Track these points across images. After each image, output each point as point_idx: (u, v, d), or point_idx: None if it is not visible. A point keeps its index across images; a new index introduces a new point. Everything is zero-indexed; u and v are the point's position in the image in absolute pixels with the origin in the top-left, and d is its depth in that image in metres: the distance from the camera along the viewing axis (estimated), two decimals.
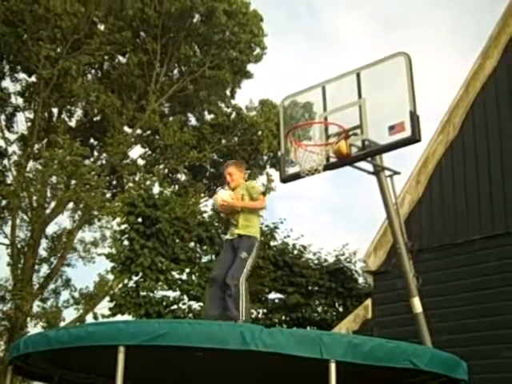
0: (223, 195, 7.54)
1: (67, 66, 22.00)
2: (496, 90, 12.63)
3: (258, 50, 25.25)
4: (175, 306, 14.86)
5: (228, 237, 7.48)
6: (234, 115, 26.00)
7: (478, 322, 11.58)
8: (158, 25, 23.66)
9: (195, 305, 14.78)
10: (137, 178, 24.49)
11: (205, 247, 15.46)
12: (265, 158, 26.09)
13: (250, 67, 25.76)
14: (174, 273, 14.93)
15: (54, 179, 22.57)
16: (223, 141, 25.37)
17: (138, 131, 25.49)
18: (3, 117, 24.50)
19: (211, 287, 7.33)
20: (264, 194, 7.74)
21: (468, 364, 6.52)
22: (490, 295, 11.57)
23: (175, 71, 25.92)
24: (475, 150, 12.63)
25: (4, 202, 23.58)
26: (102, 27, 23.89)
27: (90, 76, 25.00)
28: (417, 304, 9.15)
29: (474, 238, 12.13)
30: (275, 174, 25.67)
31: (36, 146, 24.34)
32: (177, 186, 24.47)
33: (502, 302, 11.42)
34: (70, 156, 21.06)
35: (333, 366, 5.29)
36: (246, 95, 40.38)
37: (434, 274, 11.93)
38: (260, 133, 24.67)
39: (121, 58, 24.89)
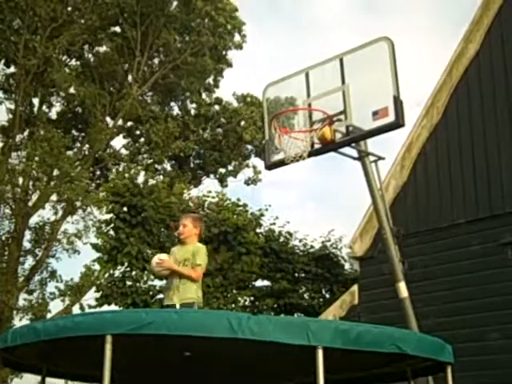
0: (160, 255, 7.26)
1: (47, 52, 21.78)
2: (479, 74, 12.67)
3: (238, 37, 25.22)
4: (161, 295, 14.84)
5: (166, 303, 7.06)
6: (216, 105, 25.98)
7: (463, 305, 11.67)
8: (136, 11, 23.51)
9: None
10: (120, 169, 24.40)
11: None
12: (249, 147, 26.12)
13: (232, 54, 25.77)
14: None
15: (35, 172, 22.42)
16: (207, 131, 25.33)
17: (120, 122, 25.39)
18: None
19: None
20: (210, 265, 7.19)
21: (453, 347, 6.56)
22: (475, 278, 11.66)
23: (156, 59, 25.83)
24: (459, 133, 12.69)
25: None
26: (79, 15, 23.69)
27: (70, 65, 24.80)
28: (403, 289, 9.19)
29: (458, 222, 12.21)
30: (260, 164, 25.79)
31: (18, 138, 24.17)
32: (161, 177, 24.41)
33: (486, 285, 11.52)
34: (49, 147, 20.92)
35: (320, 353, 5.30)
36: (229, 85, 40.32)
37: (420, 259, 12.01)
38: (243, 122, 24.65)
39: (100, 45, 24.72)
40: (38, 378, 7.55)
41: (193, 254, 7.03)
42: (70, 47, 22.86)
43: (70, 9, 23.10)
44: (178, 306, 6.82)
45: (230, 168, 26.40)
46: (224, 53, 25.38)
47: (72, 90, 23.57)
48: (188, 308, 6.76)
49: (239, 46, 25.29)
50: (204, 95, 26.24)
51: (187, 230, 7.25)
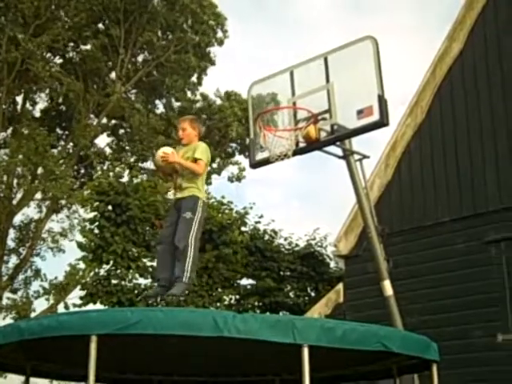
0: (165, 148, 7.18)
1: (30, 48, 21.66)
2: (462, 73, 12.73)
3: (220, 34, 25.21)
4: (146, 293, 14.82)
5: (170, 197, 7.19)
6: (200, 103, 25.94)
7: (448, 303, 11.73)
8: (120, 8, 23.43)
9: None
10: (105, 167, 24.30)
11: None
12: (233, 145, 26.09)
13: (214, 50, 25.76)
14: (144, 260, 14.89)
15: (20, 170, 22.30)
16: None
17: (104, 120, 25.29)
18: None
19: (160, 249, 7.02)
20: (212, 161, 7.23)
21: (439, 345, 6.60)
22: (459, 276, 11.72)
23: (140, 57, 25.76)
24: (443, 132, 12.74)
25: None
26: (62, 12, 23.57)
27: (53, 62, 24.67)
28: (387, 287, 9.22)
29: (442, 221, 12.26)
30: (244, 161, 25.78)
31: (1, 135, 24.03)
32: (145, 176, 24.34)
33: (470, 283, 11.58)
34: (35, 144, 20.80)
35: (306, 351, 5.31)
36: (212, 82, 40.27)
37: (404, 257, 12.05)
38: (227, 120, 24.61)
39: (84, 43, 24.61)
40: (22, 378, 7.51)
41: (193, 151, 7.04)
42: (54, 44, 22.70)
43: (53, 7, 22.94)
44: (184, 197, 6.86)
45: (214, 166, 26.37)
46: (207, 50, 25.36)
47: (55, 85, 23.40)
48: (192, 200, 6.83)
49: (221, 42, 25.29)
50: (189, 93, 26.18)
51: (187, 134, 7.24)
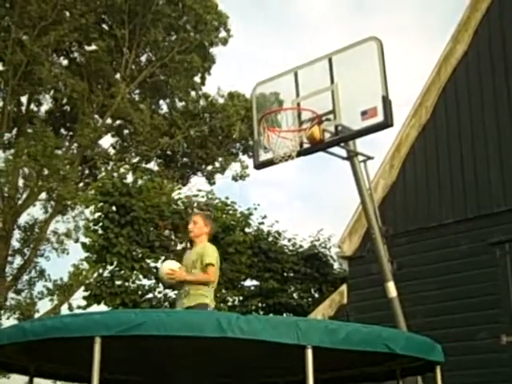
0: (170, 265, 7.04)
1: (35, 51, 21.72)
2: (467, 74, 12.71)
3: (223, 33, 25.23)
4: (151, 295, 14.82)
5: (178, 308, 6.93)
6: (203, 102, 25.94)
7: (452, 304, 11.71)
8: (124, 9, 23.47)
9: (171, 293, 14.75)
10: (109, 168, 24.33)
11: (180, 235, 15.41)
12: (237, 145, 26.08)
13: (217, 50, 25.80)
14: (149, 261, 14.89)
15: (25, 170, 22.34)
16: (194, 128, 25.28)
17: (109, 121, 25.32)
18: None
19: None
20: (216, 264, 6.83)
21: (443, 346, 6.59)
22: (463, 278, 11.70)
23: (144, 57, 25.81)
24: (447, 133, 12.73)
25: None
26: (68, 13, 23.62)
27: (58, 63, 24.72)
28: (391, 288, 9.22)
29: (446, 222, 12.24)
30: (247, 161, 25.77)
31: (6, 136, 24.07)
32: (148, 176, 24.35)
33: (474, 285, 11.56)
34: (43, 147, 20.85)
35: (309, 352, 5.31)
36: (216, 82, 40.30)
37: (408, 258, 12.03)
38: (230, 119, 24.60)
39: (89, 44, 24.67)
40: (26, 378, 7.52)
41: (200, 255, 6.87)
42: (59, 46, 22.77)
43: (59, 7, 22.99)
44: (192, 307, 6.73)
45: (217, 164, 26.35)
46: (210, 50, 25.39)
47: (60, 86, 23.45)
48: (201, 308, 6.66)
49: (225, 42, 25.29)
50: (193, 93, 26.19)
51: (198, 228, 7.10)
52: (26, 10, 21.66)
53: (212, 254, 6.89)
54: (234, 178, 25.92)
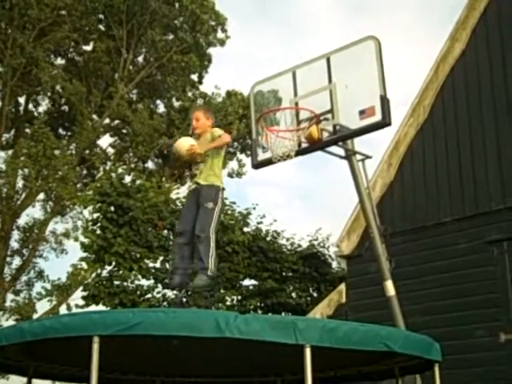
0: (189, 140, 7.13)
1: (35, 54, 21.74)
2: (465, 73, 12.72)
3: (221, 34, 25.25)
4: (149, 295, 14.82)
5: (192, 186, 7.24)
6: (200, 100, 25.91)
7: (450, 303, 11.72)
8: (122, 10, 23.46)
9: (169, 293, 14.75)
10: (107, 168, 24.31)
11: None
12: (235, 144, 26.05)
13: (215, 51, 25.78)
14: (147, 261, 14.88)
15: (25, 171, 22.31)
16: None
17: (107, 121, 25.30)
18: None
19: (178, 240, 7.06)
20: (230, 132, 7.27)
21: (441, 345, 6.59)
22: (461, 276, 11.71)
23: (142, 57, 25.77)
24: (445, 132, 12.73)
25: None
26: (67, 14, 23.61)
27: (56, 63, 24.71)
28: (390, 287, 9.21)
29: (444, 221, 12.25)
30: (245, 159, 25.74)
31: (4, 137, 24.05)
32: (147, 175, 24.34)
33: (472, 283, 11.57)
34: (43, 148, 20.84)
35: (308, 351, 5.31)
36: (214, 82, 40.28)
37: (407, 257, 12.04)
38: (228, 118, 24.57)
39: (87, 45, 24.67)
40: (24, 379, 7.51)
41: (211, 137, 7.08)
42: (58, 47, 22.77)
43: (59, 9, 23.00)
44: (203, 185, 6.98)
45: None
46: (207, 50, 25.37)
47: (58, 88, 23.46)
48: (213, 190, 6.94)
49: (223, 42, 25.29)
50: (190, 94, 26.17)
51: (201, 123, 7.26)
52: (27, 13, 21.66)
53: (219, 130, 7.16)
54: (230, 175, 25.88)
